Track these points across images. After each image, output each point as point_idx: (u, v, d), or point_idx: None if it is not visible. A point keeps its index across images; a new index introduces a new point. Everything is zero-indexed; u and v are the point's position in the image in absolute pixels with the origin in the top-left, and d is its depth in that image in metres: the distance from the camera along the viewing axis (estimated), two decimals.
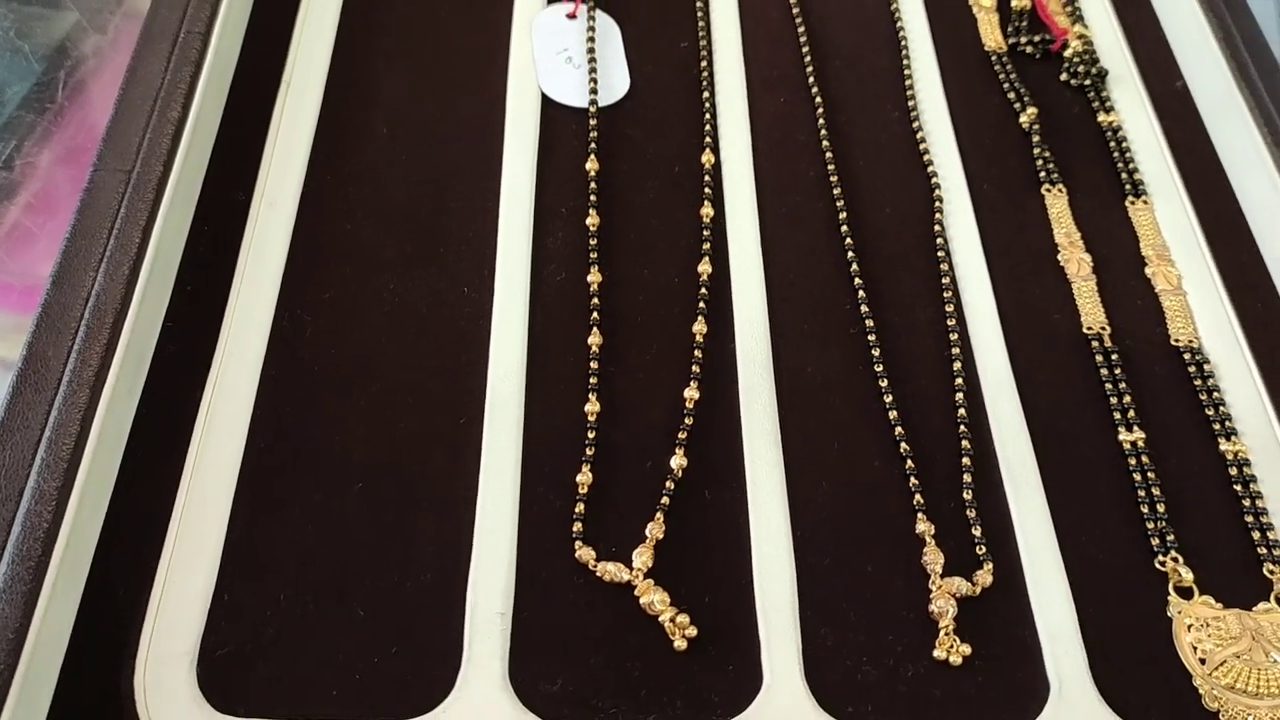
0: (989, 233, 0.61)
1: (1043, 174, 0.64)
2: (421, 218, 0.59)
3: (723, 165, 0.63)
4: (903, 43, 0.70)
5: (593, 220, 0.59)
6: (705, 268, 0.58)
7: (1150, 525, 0.50)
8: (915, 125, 0.66)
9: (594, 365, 0.53)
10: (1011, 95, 0.68)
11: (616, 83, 0.66)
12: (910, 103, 0.67)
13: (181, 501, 0.47)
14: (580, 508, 0.48)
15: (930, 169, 0.63)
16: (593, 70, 0.65)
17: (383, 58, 0.65)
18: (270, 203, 0.58)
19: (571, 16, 0.69)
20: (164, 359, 0.51)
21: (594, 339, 0.54)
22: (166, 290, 0.53)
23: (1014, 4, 0.73)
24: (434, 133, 0.62)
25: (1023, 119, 0.66)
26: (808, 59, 0.68)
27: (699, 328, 0.55)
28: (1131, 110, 0.68)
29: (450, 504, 0.48)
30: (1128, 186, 0.64)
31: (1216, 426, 0.54)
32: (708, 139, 0.63)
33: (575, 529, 0.48)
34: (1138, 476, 0.51)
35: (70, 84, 0.71)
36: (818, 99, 0.66)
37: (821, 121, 0.65)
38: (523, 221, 0.59)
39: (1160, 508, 0.50)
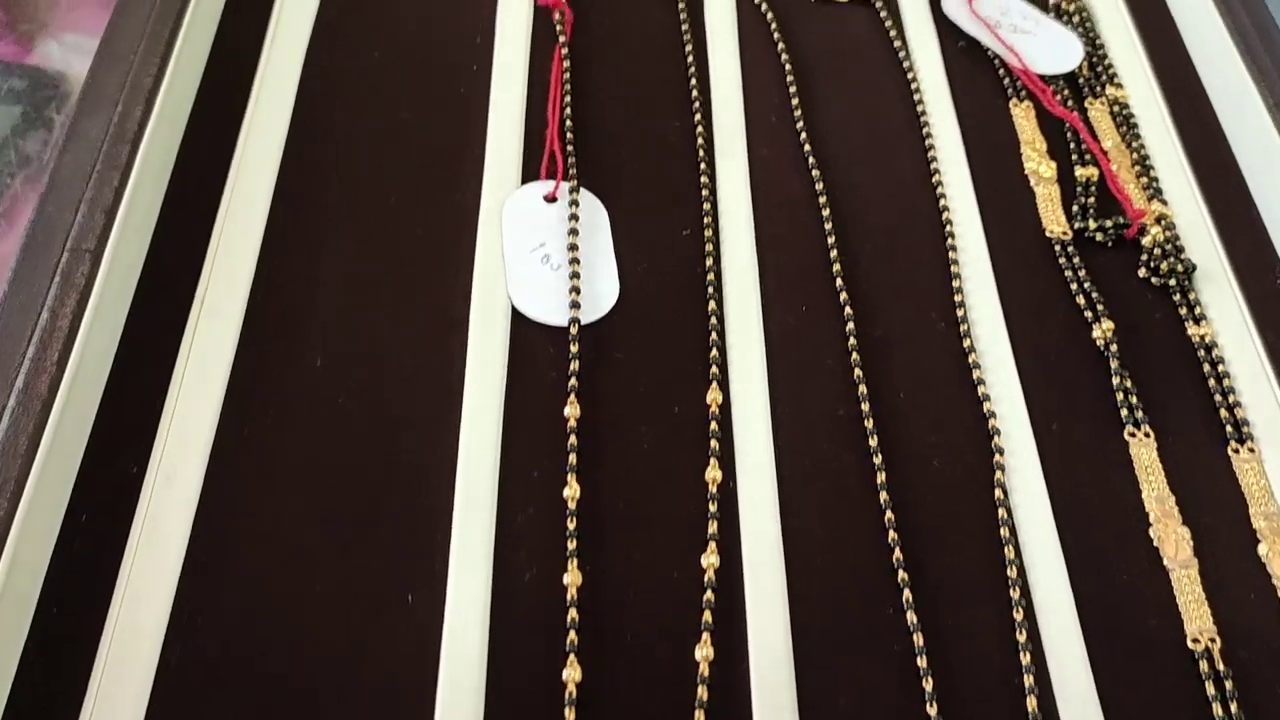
0: (1060, 496, 0.50)
1: (1124, 410, 0.53)
2: (355, 486, 0.48)
3: (733, 405, 0.52)
4: (947, 227, 0.59)
5: (571, 491, 0.48)
6: (711, 560, 0.47)
7: None
8: (965, 341, 0.55)
9: (571, 698, 0.42)
10: (1081, 300, 0.56)
11: (604, 290, 0.55)
12: (959, 310, 0.56)
13: None
14: None
15: (986, 405, 0.52)
16: (575, 276, 0.54)
17: (314, 258, 0.54)
18: (167, 478, 0.47)
19: (550, 199, 0.58)
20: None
21: (571, 673, 0.43)
22: None
23: (1078, 173, 0.62)
24: (376, 364, 0.51)
25: (1096, 334, 0.55)
26: (833, 249, 0.57)
27: (704, 653, 0.44)
28: (1226, 317, 0.57)
29: None
30: (1229, 428, 0.53)
31: None
32: (714, 367, 0.52)
33: None
34: None
35: None
36: (846, 307, 0.55)
37: (853, 340, 0.54)
38: (485, 492, 0.48)
39: None
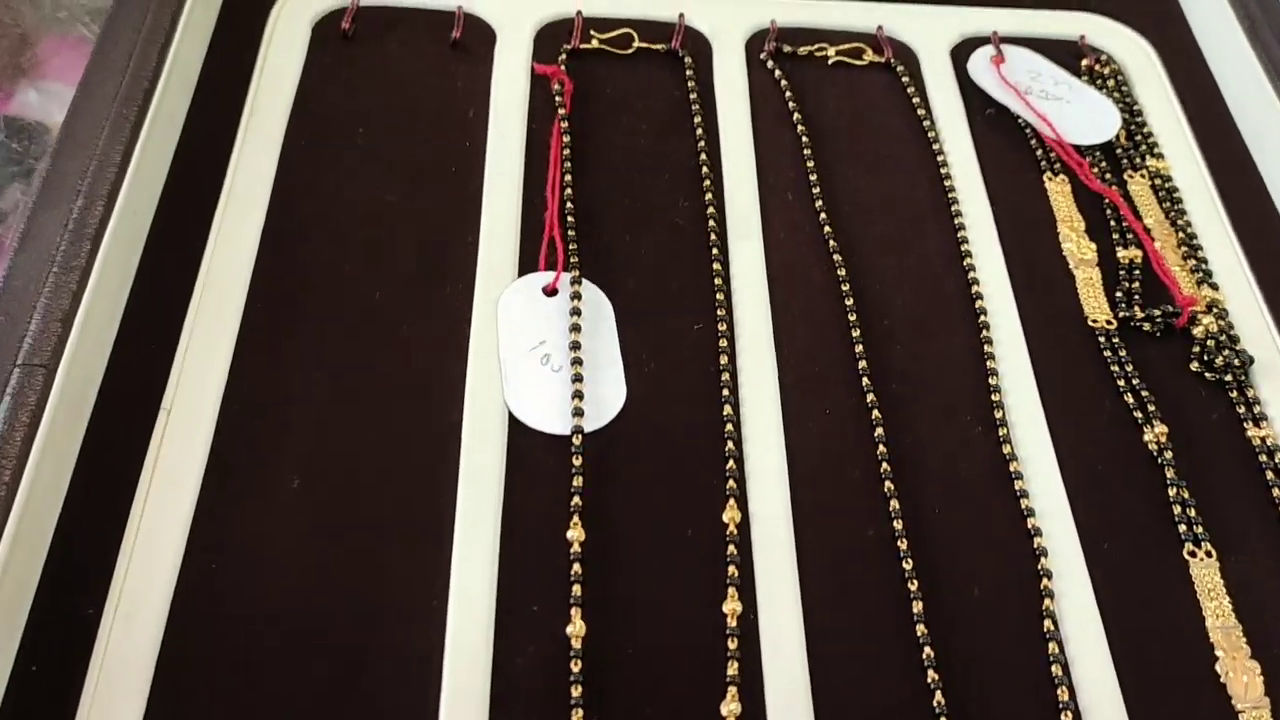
0: (1116, 626, 0.46)
1: (1182, 525, 0.48)
2: (335, 629, 0.43)
3: (752, 525, 0.47)
4: (981, 316, 0.55)
5: (575, 629, 0.43)
6: (732, 707, 0.42)
7: None
8: (1004, 446, 0.50)
9: None
10: (1130, 399, 0.52)
11: (609, 394, 0.51)
12: (997, 412, 0.51)
13: None
14: None
15: (1030, 521, 0.48)
16: (577, 379, 0.50)
17: (291, 366, 0.50)
18: (126, 618, 0.42)
19: (550, 292, 0.54)
20: None
21: None
22: None
23: (1120, 255, 0.58)
24: (358, 485, 0.47)
25: (1148, 438, 0.51)
26: (858, 343, 0.53)
27: None
28: None
29: None
30: None
31: None
32: (731, 480, 0.48)
33: None
34: None
35: None
36: (875, 411, 0.51)
37: (881, 448, 0.50)
38: (480, 630, 0.44)
39: None
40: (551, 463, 0.48)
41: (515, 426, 0.49)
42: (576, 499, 0.47)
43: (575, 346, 0.51)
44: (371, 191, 0.57)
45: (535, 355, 0.52)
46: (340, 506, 0.46)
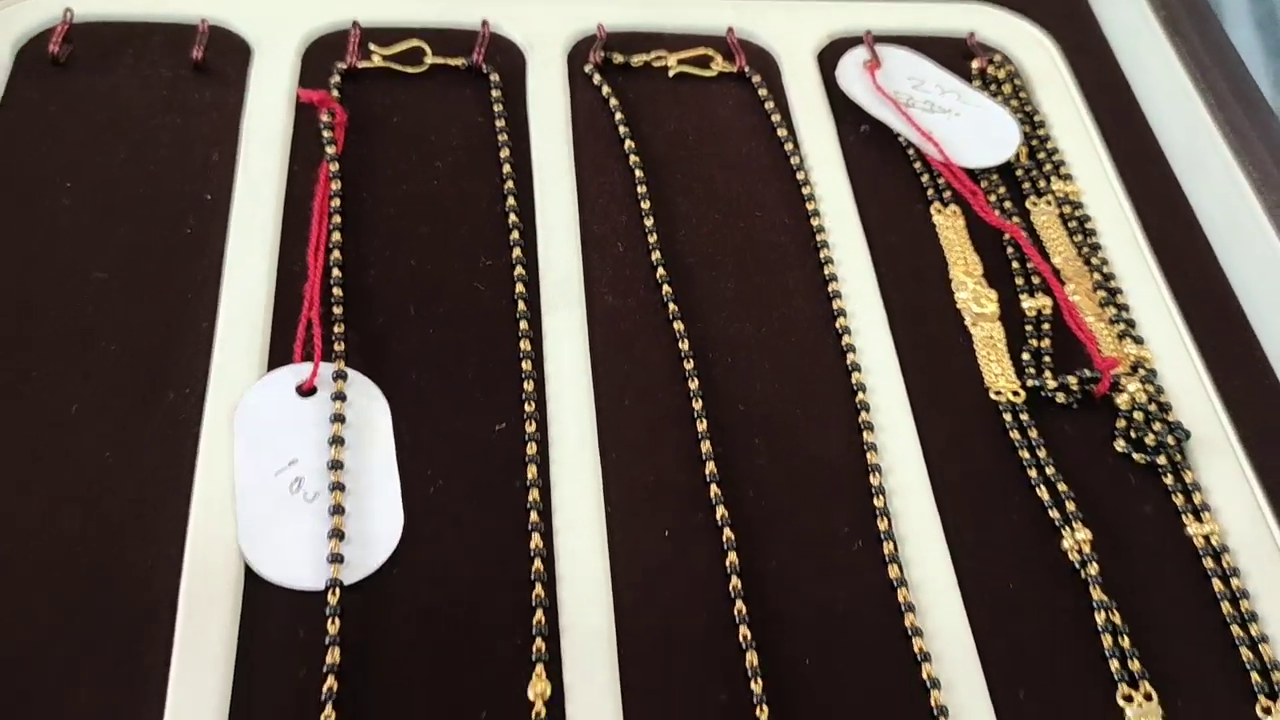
0: None
1: (1114, 661, 0.40)
2: None
3: (567, 701, 0.38)
4: (859, 394, 0.46)
5: None
6: None
7: None
8: (891, 568, 0.41)
9: None
10: (1044, 493, 0.44)
11: (380, 528, 0.41)
12: (880, 522, 0.43)
13: None
14: None
15: (926, 669, 0.39)
16: (338, 511, 0.40)
17: None
18: None
19: (306, 391, 0.44)
20: None
21: None
22: None
23: (1025, 305, 0.50)
24: (21, 697, 0.36)
25: (1068, 545, 0.43)
26: (705, 438, 0.44)
27: None
28: (1236, 507, 0.45)
29: None
30: (1255, 676, 0.40)
31: None
32: (540, 641, 0.38)
33: None
34: None
35: None
36: (727, 531, 0.42)
37: (737, 580, 0.40)
38: None
39: None
40: (302, 634, 0.38)
41: (252, 580, 0.39)
42: (330, 681, 0.37)
43: (336, 466, 0.42)
44: (76, 267, 0.46)
45: (283, 480, 0.42)
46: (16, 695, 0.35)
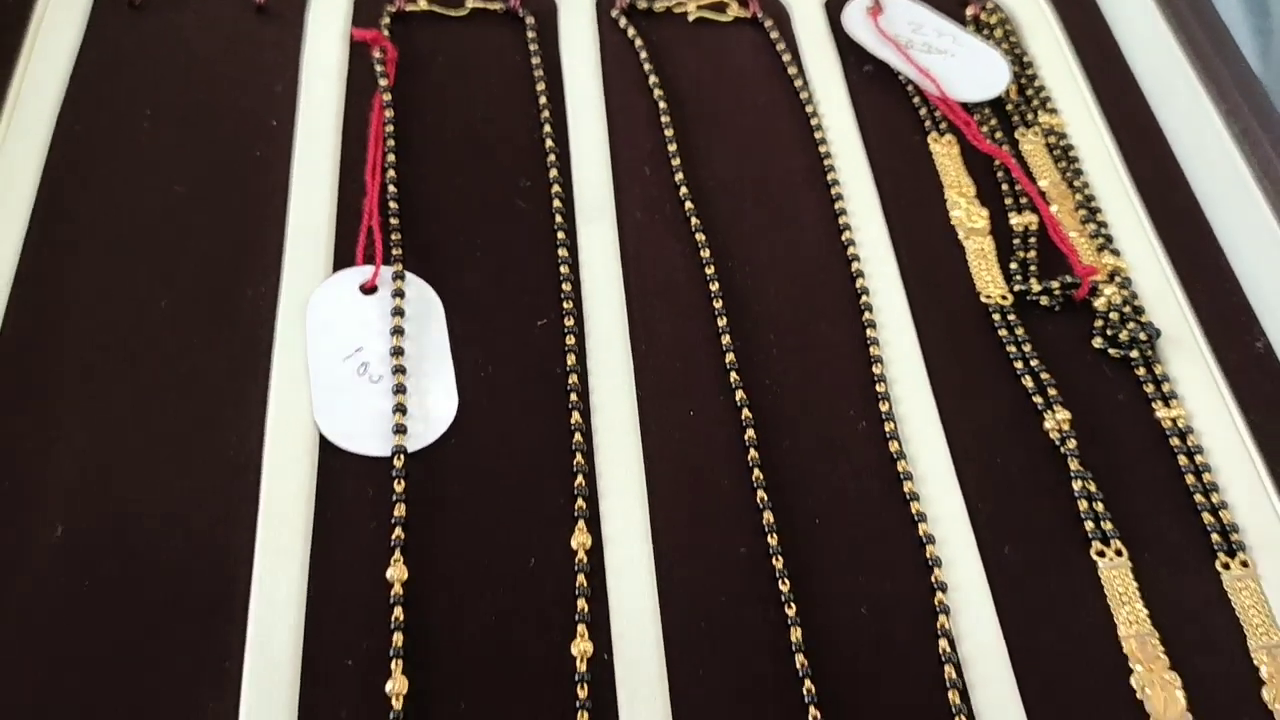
0: (1019, 642, 0.43)
1: (1089, 522, 0.45)
2: (112, 695, 0.38)
3: (605, 550, 0.43)
4: (863, 297, 0.51)
5: (396, 686, 0.39)
6: None
7: None
8: (892, 444, 0.47)
9: None
10: (1029, 382, 0.49)
11: (437, 406, 0.46)
12: (883, 405, 0.48)
13: None
14: None
15: (921, 527, 0.44)
16: (400, 391, 0.45)
17: (54, 394, 0.45)
18: None
19: (369, 289, 0.49)
20: None
21: None
22: None
23: (1014, 221, 0.55)
24: (135, 532, 0.42)
25: (1049, 425, 0.48)
26: (724, 333, 0.49)
27: None
28: (1201, 395, 0.50)
29: None
30: (1214, 536, 0.46)
31: None
32: (580, 500, 0.44)
33: None
34: None
35: None
36: (745, 412, 0.47)
37: (754, 453, 0.46)
38: (284, 691, 0.39)
39: None
40: (371, 492, 0.44)
41: (326, 449, 0.45)
42: (398, 531, 0.42)
43: (397, 352, 0.47)
44: (159, 183, 0.51)
45: (350, 364, 0.47)
46: (112, 561, 0.41)
